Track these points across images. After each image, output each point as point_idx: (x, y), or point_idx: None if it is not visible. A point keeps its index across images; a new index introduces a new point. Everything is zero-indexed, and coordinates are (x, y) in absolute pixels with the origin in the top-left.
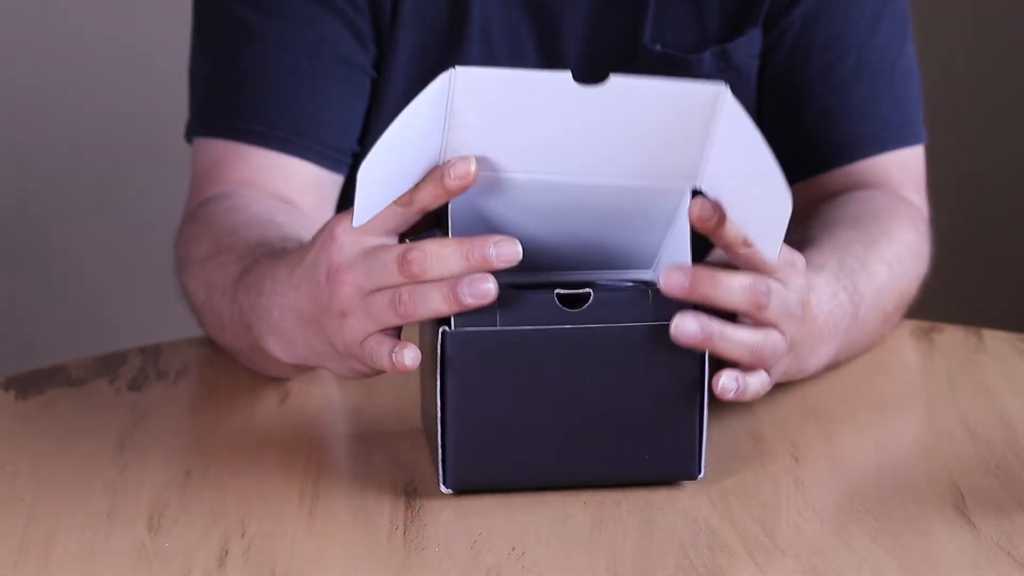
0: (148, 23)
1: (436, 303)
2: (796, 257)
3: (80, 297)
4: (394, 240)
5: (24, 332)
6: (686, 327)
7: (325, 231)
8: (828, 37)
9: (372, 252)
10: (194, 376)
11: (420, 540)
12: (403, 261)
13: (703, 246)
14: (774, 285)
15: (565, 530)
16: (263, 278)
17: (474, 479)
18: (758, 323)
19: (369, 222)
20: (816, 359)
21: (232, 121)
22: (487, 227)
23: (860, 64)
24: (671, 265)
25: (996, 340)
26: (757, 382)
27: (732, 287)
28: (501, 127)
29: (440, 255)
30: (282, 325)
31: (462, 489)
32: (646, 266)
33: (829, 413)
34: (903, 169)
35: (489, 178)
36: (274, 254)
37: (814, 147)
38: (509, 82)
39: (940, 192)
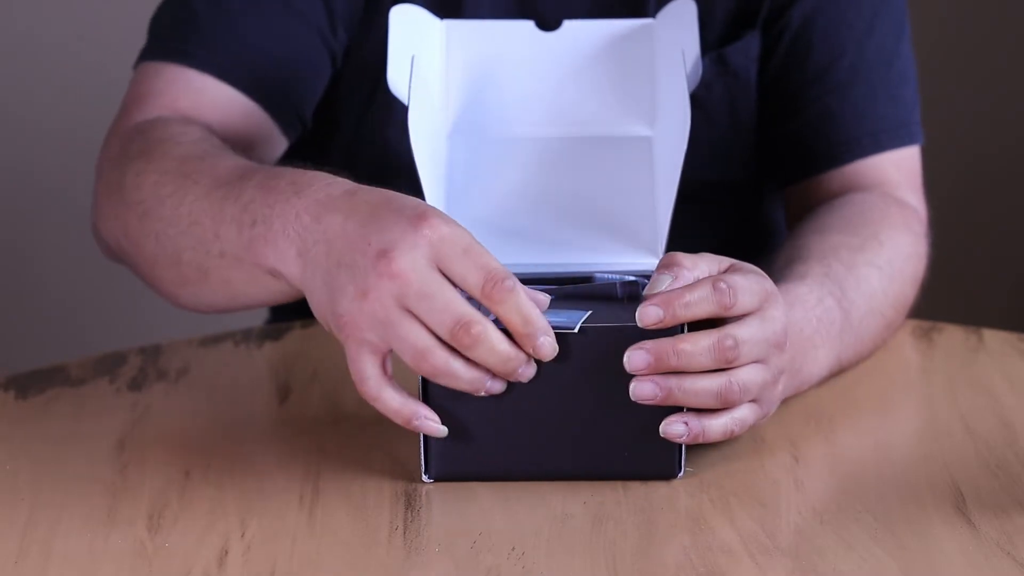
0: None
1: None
2: (769, 286)
3: (79, 297)
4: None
5: (24, 332)
6: (643, 391)
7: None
8: (825, 38)
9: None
10: (194, 376)
11: (420, 540)
12: (463, 327)
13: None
14: (740, 333)
15: (565, 530)
16: (299, 181)
17: (454, 470)
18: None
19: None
20: (814, 368)
21: (183, 46)
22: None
23: (856, 65)
24: (633, 346)
25: (996, 340)
26: (750, 414)
27: (696, 353)
28: (483, 77)
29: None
30: (307, 233)
31: (443, 479)
32: (651, 249)
33: (829, 413)
34: (899, 169)
35: (470, 134)
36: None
37: (810, 148)
38: (487, 30)
39: (940, 192)
